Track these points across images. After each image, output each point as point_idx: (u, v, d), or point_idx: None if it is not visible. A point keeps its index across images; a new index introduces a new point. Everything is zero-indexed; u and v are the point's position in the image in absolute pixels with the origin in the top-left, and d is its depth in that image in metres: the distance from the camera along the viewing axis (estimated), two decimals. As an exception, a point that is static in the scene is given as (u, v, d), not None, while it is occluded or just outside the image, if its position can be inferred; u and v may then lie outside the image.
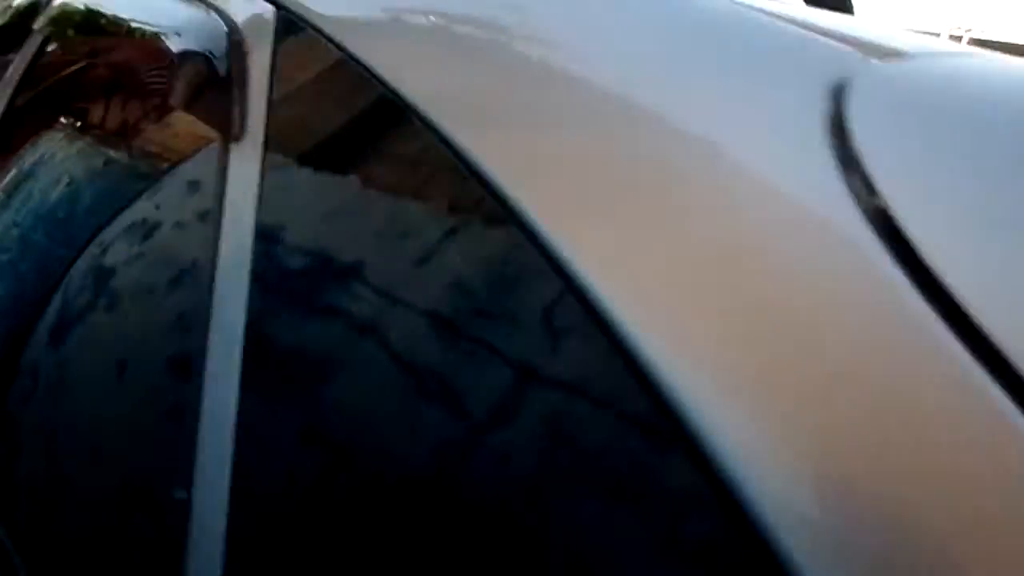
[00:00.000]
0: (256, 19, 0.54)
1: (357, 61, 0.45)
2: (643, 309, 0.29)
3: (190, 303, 0.46)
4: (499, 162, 0.36)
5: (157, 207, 0.53)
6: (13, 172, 0.72)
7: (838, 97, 0.32)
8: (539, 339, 0.32)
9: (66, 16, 0.80)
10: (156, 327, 0.49)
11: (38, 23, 0.89)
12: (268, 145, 0.47)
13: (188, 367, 0.43)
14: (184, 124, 0.56)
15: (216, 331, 0.43)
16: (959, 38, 8.24)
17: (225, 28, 0.56)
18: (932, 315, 0.25)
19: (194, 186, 0.51)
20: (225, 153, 0.49)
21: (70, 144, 0.67)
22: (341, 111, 0.47)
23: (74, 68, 0.76)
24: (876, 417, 0.25)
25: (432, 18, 0.46)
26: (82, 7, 0.79)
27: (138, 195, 0.54)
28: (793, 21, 0.38)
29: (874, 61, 0.35)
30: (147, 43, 0.63)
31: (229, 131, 0.49)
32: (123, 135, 0.59)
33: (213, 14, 0.59)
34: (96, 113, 0.66)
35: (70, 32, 0.79)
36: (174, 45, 0.58)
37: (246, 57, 0.52)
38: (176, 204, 0.52)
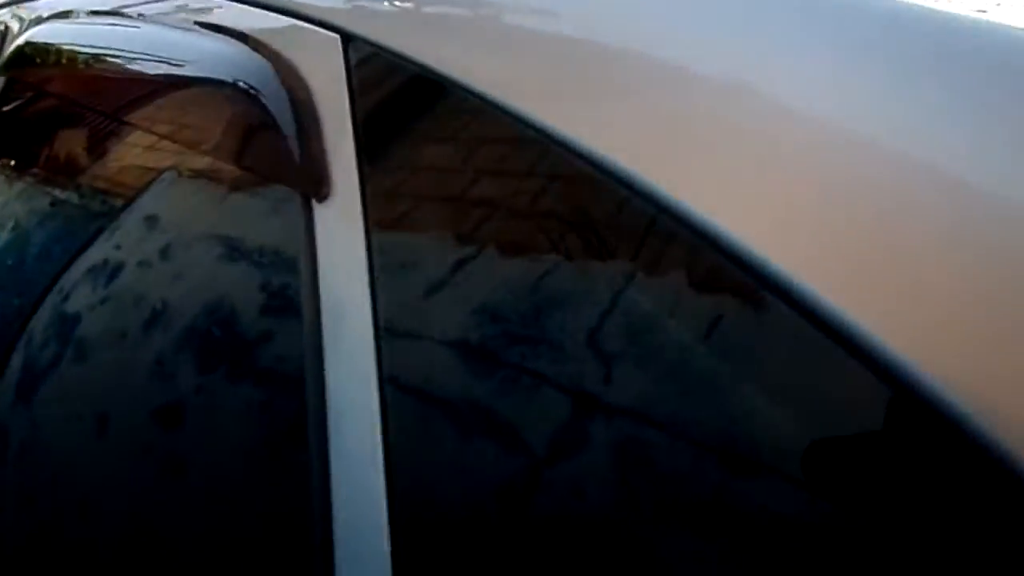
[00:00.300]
0: (316, 48, 0.44)
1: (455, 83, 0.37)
2: None
3: (295, 406, 0.36)
4: (637, 162, 0.30)
5: (225, 296, 0.43)
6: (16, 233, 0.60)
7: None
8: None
9: (38, 54, 0.69)
10: (254, 419, 0.40)
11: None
12: (368, 201, 0.38)
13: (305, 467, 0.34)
14: (236, 184, 0.46)
15: (339, 452, 0.34)
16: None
17: (267, 62, 0.47)
18: None
19: (268, 264, 0.42)
20: (308, 217, 0.39)
21: (92, 208, 0.56)
22: (449, 143, 0.38)
23: (66, 115, 0.64)
24: None
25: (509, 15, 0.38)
26: (55, 42, 0.68)
27: (208, 279, 0.44)
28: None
29: None
30: (171, 84, 0.53)
31: (311, 189, 0.40)
32: (157, 198, 0.49)
33: (244, 46, 0.49)
34: (118, 173, 0.55)
35: (48, 72, 0.67)
36: (209, 85, 0.48)
37: (312, 96, 0.43)
38: (252, 288, 0.42)
